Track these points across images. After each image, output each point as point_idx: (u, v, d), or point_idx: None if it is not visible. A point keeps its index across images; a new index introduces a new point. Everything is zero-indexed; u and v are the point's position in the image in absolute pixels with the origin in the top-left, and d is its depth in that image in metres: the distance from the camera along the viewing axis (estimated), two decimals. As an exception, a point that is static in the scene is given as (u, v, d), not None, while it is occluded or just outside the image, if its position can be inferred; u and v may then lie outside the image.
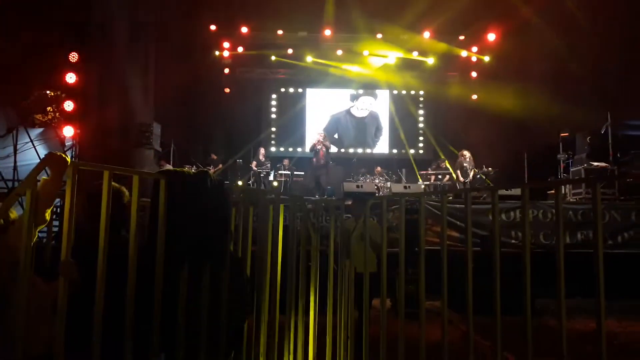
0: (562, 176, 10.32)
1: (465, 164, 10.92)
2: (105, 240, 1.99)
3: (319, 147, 11.62)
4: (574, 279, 3.05)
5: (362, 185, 9.66)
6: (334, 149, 14.71)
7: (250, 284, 2.84)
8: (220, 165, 12.11)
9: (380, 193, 11.24)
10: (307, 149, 14.53)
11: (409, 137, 14.59)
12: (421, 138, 14.96)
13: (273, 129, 14.83)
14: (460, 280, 2.51)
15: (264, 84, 14.84)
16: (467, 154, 11.02)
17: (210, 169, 8.21)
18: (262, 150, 12.20)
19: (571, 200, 9.00)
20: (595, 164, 9.55)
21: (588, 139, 10.24)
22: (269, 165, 11.99)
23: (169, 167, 9.83)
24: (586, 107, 9.83)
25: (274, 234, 3.05)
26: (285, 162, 12.64)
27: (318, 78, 14.56)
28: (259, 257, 2.94)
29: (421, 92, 15.08)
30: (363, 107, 15.04)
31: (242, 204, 3.03)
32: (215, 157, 12.15)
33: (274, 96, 15.02)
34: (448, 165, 12.23)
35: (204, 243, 2.30)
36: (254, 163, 11.96)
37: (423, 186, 11.36)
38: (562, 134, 10.68)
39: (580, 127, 10.53)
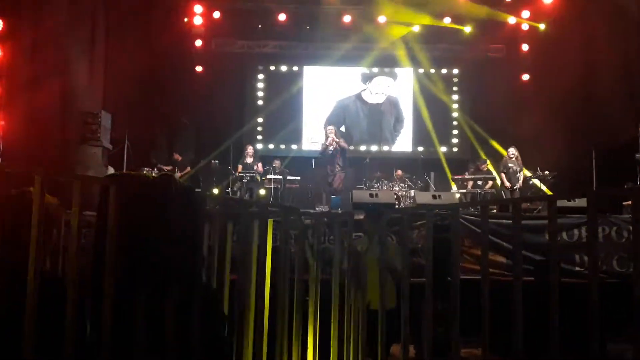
0: (642, 182, 10.34)
1: (512, 166, 10.94)
2: (35, 276, 1.98)
3: (332, 148, 11.31)
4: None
5: (377, 194, 9.63)
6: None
7: (229, 324, 2.84)
8: (189, 168, 12.14)
9: (402, 204, 11.24)
10: (304, 146, 14.57)
11: (439, 131, 14.61)
12: (455, 132, 15.00)
13: (260, 120, 14.87)
14: (506, 319, 2.50)
15: (247, 61, 14.91)
16: (515, 152, 11.05)
17: (176, 173, 8.24)
18: (249, 149, 12.22)
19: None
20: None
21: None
22: (260, 166, 12.00)
23: (112, 170, 9.82)
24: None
25: (260, 258, 3.05)
26: (276, 163, 12.66)
27: (319, 53, 14.60)
28: (240, 289, 2.95)
29: (455, 71, 15.14)
30: (378, 90, 15.09)
31: (218, 219, 3.03)
32: (179, 157, 12.19)
33: (261, 76, 15.08)
34: (491, 168, 12.26)
35: (167, 270, 2.29)
36: (239, 167, 11.96)
37: (458, 195, 11.37)
38: (643, 128, 10.72)
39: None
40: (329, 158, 11.44)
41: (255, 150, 13.15)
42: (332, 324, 3.64)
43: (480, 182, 11.97)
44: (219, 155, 12.87)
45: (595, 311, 2.27)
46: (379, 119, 15.02)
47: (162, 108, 13.10)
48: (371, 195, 9.47)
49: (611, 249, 7.62)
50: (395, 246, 5.21)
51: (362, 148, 14.82)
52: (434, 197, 9.52)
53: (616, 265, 7.61)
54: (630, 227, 7.38)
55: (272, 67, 15.09)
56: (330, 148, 11.39)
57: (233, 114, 14.34)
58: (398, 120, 15.06)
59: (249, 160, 12.04)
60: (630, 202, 9.28)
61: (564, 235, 7.66)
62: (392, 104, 15.10)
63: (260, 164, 12.10)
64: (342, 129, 14.89)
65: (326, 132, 11.76)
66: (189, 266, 2.37)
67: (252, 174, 11.82)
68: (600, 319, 2.28)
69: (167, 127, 13.72)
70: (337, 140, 11.45)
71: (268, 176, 12.22)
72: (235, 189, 11.95)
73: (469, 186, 12.03)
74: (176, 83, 13.32)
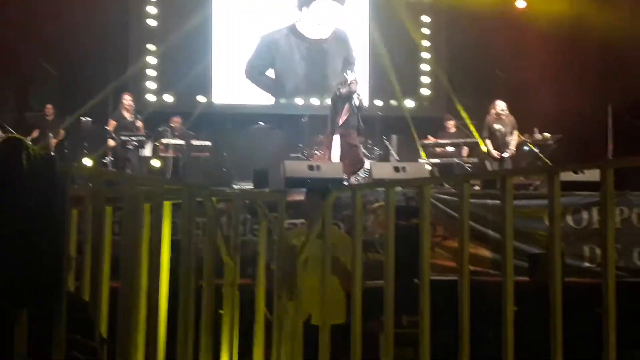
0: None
1: (500, 127, 11.15)
2: None
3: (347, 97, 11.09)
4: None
5: (318, 166, 9.69)
6: (264, 99, 14.65)
7: (107, 352, 2.81)
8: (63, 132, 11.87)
9: (353, 179, 11.30)
10: (215, 98, 14.41)
11: (404, 79, 14.71)
12: (426, 80, 15.15)
13: (151, 61, 14.58)
14: (493, 331, 2.57)
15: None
16: (504, 109, 11.24)
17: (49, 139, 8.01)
18: (126, 99, 11.96)
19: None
20: None
21: None
22: (140, 126, 11.80)
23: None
24: None
25: (153, 257, 3.02)
26: (175, 121, 12.48)
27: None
28: (123, 300, 2.91)
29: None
30: (320, 20, 15.02)
31: (91, 202, 2.97)
32: (51, 112, 11.87)
33: (152, -1, 14.76)
34: (472, 129, 12.49)
35: (16, 273, 2.25)
36: (112, 124, 11.73)
37: (429, 167, 11.53)
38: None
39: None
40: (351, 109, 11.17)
41: (143, 103, 12.87)
42: (254, 345, 3.66)
43: (456, 149, 12.16)
44: (92, 110, 12.56)
45: (610, 318, 2.36)
46: (322, 60, 14.98)
47: (7, 45, 12.63)
48: (311, 168, 9.51)
49: (632, 238, 7.90)
50: (344, 237, 5.24)
51: (299, 101, 14.77)
52: (397, 169, 9.65)
53: (638, 260, 7.93)
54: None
55: (169, -14, 14.77)
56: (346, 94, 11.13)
57: (112, 53, 14.00)
58: (348, 63, 15.02)
59: (127, 114, 11.78)
60: (656, 176, 9.69)
61: (570, 219, 7.92)
62: (339, 41, 15.07)
63: (140, 123, 11.88)
64: (270, 74, 14.78)
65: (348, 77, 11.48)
66: (47, 269, 2.32)
67: (139, 137, 11.60)
68: (618, 327, 2.38)
69: (15, 73, 13.26)
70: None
71: (164, 140, 12.03)
72: (113, 157, 11.72)
73: (442, 154, 12.15)
74: (28, 9, 12.86)
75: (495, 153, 11.12)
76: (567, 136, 11.29)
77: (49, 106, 12.18)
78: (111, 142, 11.73)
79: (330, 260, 3.71)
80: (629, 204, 7.99)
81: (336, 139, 10.98)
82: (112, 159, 11.72)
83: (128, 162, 11.51)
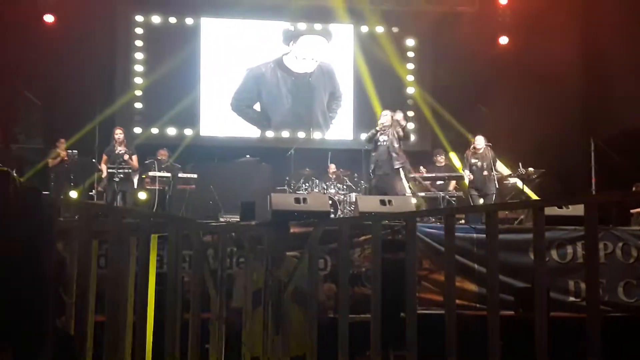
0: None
1: (477, 162, 11.23)
2: None
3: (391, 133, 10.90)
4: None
5: (304, 199, 9.68)
6: (250, 132, 14.68)
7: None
8: (59, 159, 11.82)
9: (339, 213, 11.29)
10: (202, 131, 14.42)
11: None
12: (411, 114, 15.24)
13: (138, 93, 14.58)
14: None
15: (121, 7, 14.59)
16: (482, 144, 11.32)
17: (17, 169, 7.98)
18: (118, 133, 11.94)
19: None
20: None
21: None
22: (134, 160, 11.76)
23: None
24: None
25: (139, 290, 3.00)
26: (162, 154, 12.46)
27: None
28: (109, 334, 2.88)
29: (410, 30, 15.38)
30: (307, 55, 15.13)
31: (77, 235, 2.96)
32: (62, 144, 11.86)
33: (139, 31, 14.78)
34: (457, 162, 12.54)
35: (1, 306, 2.22)
36: (105, 158, 11.70)
37: (415, 201, 11.56)
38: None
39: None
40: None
41: (130, 135, 12.82)
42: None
43: (443, 181, 12.20)
44: (80, 142, 12.52)
45: (596, 353, 2.37)
46: (308, 94, 15.06)
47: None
48: (297, 201, 9.48)
49: (616, 273, 7.89)
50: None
51: (285, 134, 14.82)
52: (383, 202, 9.64)
53: (623, 294, 7.93)
54: (640, 243, 7.76)
55: (156, 18, 14.83)
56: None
57: (100, 85, 13.98)
58: (334, 97, 15.15)
59: (119, 148, 11.75)
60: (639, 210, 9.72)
61: (554, 254, 7.92)
62: (325, 75, 15.18)
63: (135, 157, 11.85)
64: (257, 107, 14.83)
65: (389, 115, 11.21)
66: (32, 303, 2.30)
67: (126, 170, 11.57)
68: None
69: (0, 104, 13.23)
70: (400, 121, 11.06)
71: (150, 173, 12.00)
72: (101, 189, 11.65)
73: (429, 187, 12.20)
74: (15, 40, 12.86)
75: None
76: (550, 170, 11.34)
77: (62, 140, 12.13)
78: (100, 174, 11.70)
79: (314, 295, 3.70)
80: (613, 239, 8.00)
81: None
82: (100, 190, 11.66)
83: (115, 195, 11.46)
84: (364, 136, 14.57)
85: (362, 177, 12.67)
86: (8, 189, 2.41)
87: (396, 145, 10.67)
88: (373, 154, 10.90)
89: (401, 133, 10.76)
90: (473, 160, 11.22)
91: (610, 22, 12.11)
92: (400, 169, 10.70)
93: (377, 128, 10.94)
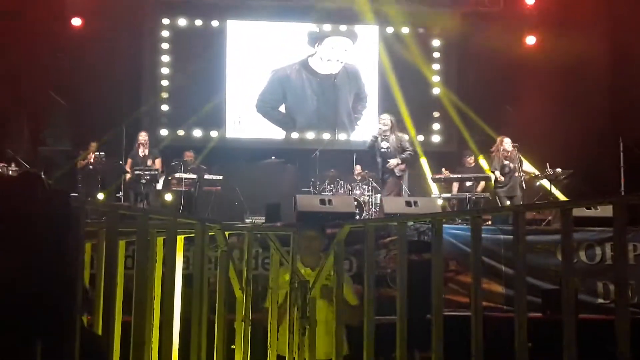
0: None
1: (508, 162, 11.16)
2: None
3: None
4: None
5: (330, 200, 9.69)
6: (276, 133, 14.69)
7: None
8: (85, 161, 11.90)
9: (365, 214, 11.27)
10: (228, 132, 14.47)
11: (415, 114, 14.72)
12: (437, 114, 15.19)
13: (164, 95, 14.68)
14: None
15: (147, 11, 14.67)
16: (509, 146, 11.24)
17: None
18: (142, 137, 12.02)
19: None
20: None
21: None
22: (157, 163, 11.83)
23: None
24: None
25: (166, 291, 3.01)
26: (188, 155, 12.52)
27: (248, 2, 14.53)
28: (136, 334, 2.89)
29: (437, 32, 15.33)
30: (332, 56, 15.13)
31: (104, 236, 2.97)
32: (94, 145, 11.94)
33: (165, 34, 14.88)
34: (484, 163, 12.47)
35: (28, 307, 2.24)
36: (129, 162, 11.79)
37: (441, 201, 11.52)
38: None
39: None
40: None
41: (157, 137, 12.91)
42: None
43: (469, 183, 12.14)
44: (107, 145, 12.59)
45: (625, 356, 2.34)
46: (333, 96, 15.05)
47: (22, 78, 12.75)
48: (322, 202, 9.50)
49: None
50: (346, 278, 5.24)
51: (310, 136, 14.84)
52: (409, 204, 9.62)
53: (653, 297, 7.83)
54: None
55: (182, 21, 14.91)
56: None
57: (127, 87, 14.08)
58: (359, 98, 15.13)
59: (142, 152, 11.84)
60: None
61: (583, 255, 7.86)
62: (350, 76, 15.16)
63: (158, 160, 11.93)
64: (282, 109, 14.85)
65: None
66: (60, 304, 2.32)
67: (151, 172, 11.65)
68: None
69: (29, 107, 13.36)
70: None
71: (177, 175, 12.06)
72: (127, 192, 11.74)
73: (454, 189, 12.18)
74: (43, 43, 12.99)
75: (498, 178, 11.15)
76: (578, 171, 11.26)
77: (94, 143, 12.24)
78: (126, 176, 11.80)
79: (341, 295, 3.70)
80: (643, 240, 7.93)
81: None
82: (127, 192, 11.75)
83: (141, 197, 11.54)
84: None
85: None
86: (37, 191, 2.43)
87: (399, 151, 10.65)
88: (378, 159, 10.78)
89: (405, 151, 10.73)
90: (505, 162, 11.15)
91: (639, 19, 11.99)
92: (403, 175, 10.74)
93: (376, 134, 10.88)
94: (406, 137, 11.27)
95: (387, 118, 11.07)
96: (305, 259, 5.05)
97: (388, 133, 10.79)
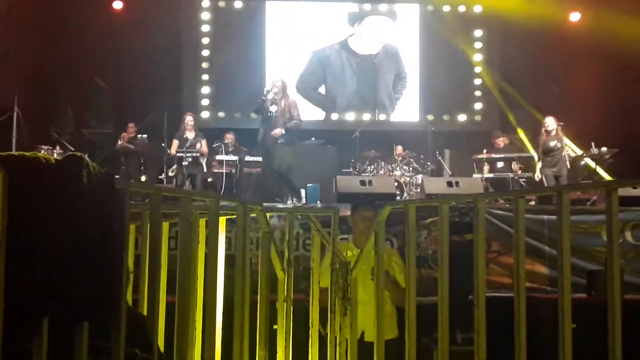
0: None
1: (552, 142, 11.05)
2: None
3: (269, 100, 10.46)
4: None
5: (370, 181, 9.70)
6: (316, 115, 14.68)
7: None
8: (126, 142, 12.06)
9: (405, 195, 11.26)
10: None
11: (456, 93, 14.67)
12: (478, 94, 15.06)
13: (205, 78, 14.77)
14: (550, 349, 2.54)
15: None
16: (553, 124, 11.13)
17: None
18: (189, 120, 12.12)
19: None
20: None
21: None
22: (204, 144, 11.93)
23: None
24: None
25: (209, 272, 3.04)
26: (229, 138, 12.60)
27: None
28: (180, 315, 2.94)
29: (478, 10, 15.16)
30: (371, 36, 15.07)
31: (148, 218, 3.01)
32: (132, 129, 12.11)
33: (205, 16, 14.95)
34: (525, 143, 12.36)
35: (76, 289, 2.28)
36: (175, 143, 11.90)
37: (482, 181, 11.46)
38: None
39: None
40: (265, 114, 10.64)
41: (199, 120, 13.01)
42: (309, 362, 3.66)
43: (513, 164, 12.05)
44: (148, 128, 12.76)
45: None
46: (373, 76, 15.02)
47: (66, 63, 12.92)
48: (363, 183, 9.52)
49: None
50: (395, 254, 5.23)
51: (350, 117, 14.83)
52: (450, 184, 9.61)
53: None
54: None
55: (222, 3, 14.96)
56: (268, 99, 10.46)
57: (167, 70, 14.23)
58: (399, 78, 15.06)
59: (189, 134, 11.96)
60: None
61: (629, 235, 7.77)
62: (390, 56, 15.10)
63: (204, 141, 12.03)
64: (322, 90, 14.84)
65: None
66: (107, 285, 2.36)
67: (194, 154, 11.76)
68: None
69: (73, 90, 13.56)
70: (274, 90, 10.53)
71: (218, 157, 12.15)
72: (170, 174, 11.88)
73: (485, 170, 12.08)
74: (86, 27, 13.14)
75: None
76: (623, 150, 11.13)
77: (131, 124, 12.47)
78: (169, 158, 11.91)
79: (383, 276, 3.70)
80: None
81: None
82: (170, 175, 11.88)
83: (184, 179, 11.66)
84: (430, 117, 14.48)
85: (428, 159, 12.60)
86: (82, 173, 2.46)
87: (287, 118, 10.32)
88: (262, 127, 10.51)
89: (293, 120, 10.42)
90: (552, 143, 11.02)
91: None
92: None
93: (264, 96, 10.46)
94: (296, 103, 10.92)
95: (278, 79, 10.70)
96: (359, 240, 5.06)
97: (280, 96, 10.49)
